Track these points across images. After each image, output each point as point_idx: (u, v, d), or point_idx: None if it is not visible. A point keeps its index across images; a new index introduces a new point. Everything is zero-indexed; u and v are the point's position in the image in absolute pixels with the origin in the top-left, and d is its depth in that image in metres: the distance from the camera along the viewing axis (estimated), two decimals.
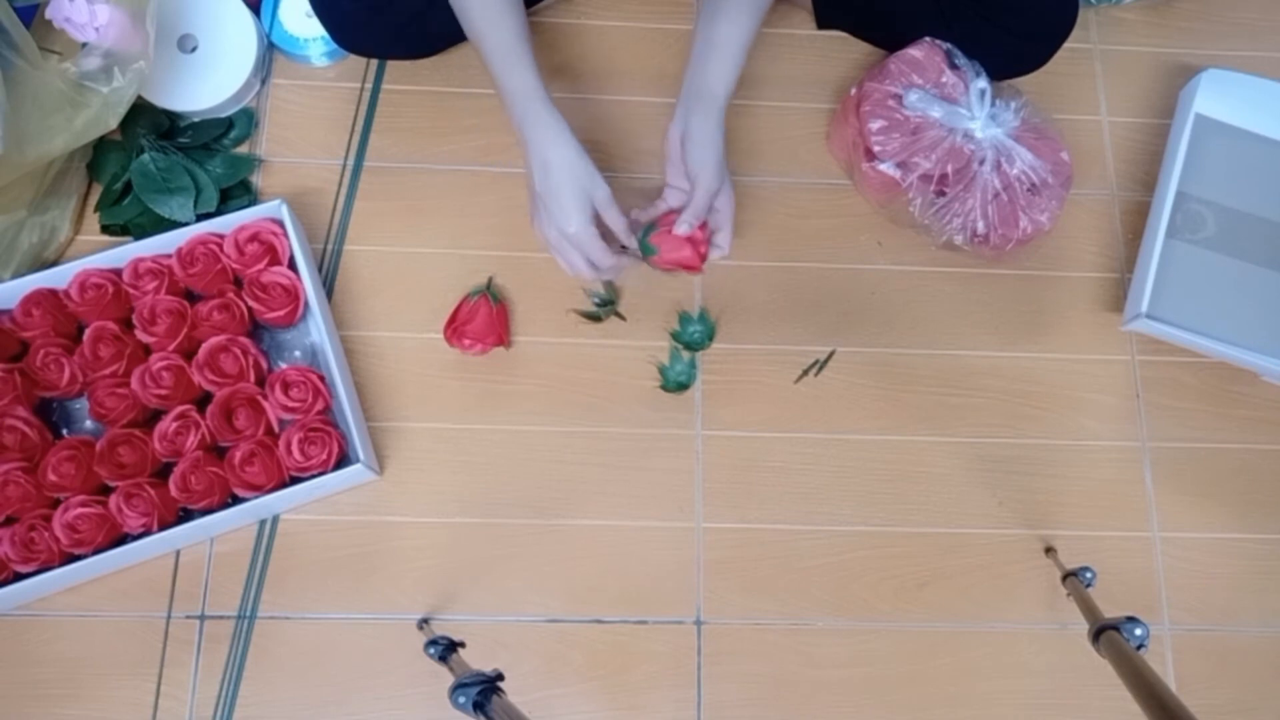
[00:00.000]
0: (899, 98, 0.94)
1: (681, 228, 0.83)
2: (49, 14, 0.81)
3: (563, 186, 0.79)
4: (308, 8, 0.96)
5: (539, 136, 0.80)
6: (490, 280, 0.97)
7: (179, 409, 0.85)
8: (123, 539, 0.85)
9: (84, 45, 0.83)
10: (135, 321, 0.88)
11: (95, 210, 0.96)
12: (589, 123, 1.03)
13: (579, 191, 0.79)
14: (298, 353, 0.93)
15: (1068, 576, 0.86)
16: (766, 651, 0.90)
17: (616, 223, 0.82)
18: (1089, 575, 0.85)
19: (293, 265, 0.91)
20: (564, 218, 0.80)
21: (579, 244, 0.81)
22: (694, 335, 0.97)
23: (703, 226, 0.85)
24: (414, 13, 0.92)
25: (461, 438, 0.93)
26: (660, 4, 1.08)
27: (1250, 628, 0.94)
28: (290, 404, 0.86)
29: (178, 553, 0.89)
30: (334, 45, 0.98)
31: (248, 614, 0.88)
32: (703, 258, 0.86)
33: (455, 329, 0.92)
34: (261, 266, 0.89)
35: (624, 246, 0.86)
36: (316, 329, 0.91)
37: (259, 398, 0.86)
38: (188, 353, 0.88)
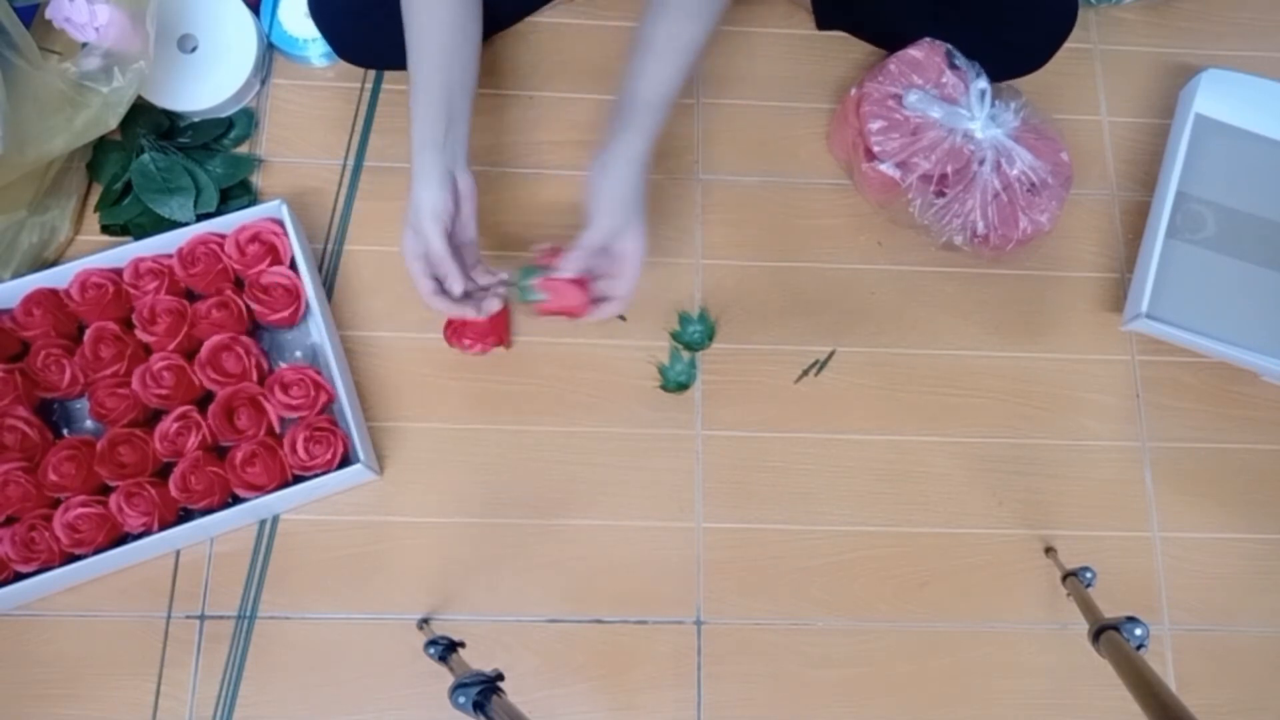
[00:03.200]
0: (899, 98, 0.94)
1: (564, 269, 0.77)
2: (49, 14, 0.81)
3: (421, 204, 0.76)
4: (307, 8, 0.96)
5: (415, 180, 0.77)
6: None
7: (180, 409, 0.85)
8: (123, 539, 0.85)
9: (84, 45, 0.83)
10: (135, 321, 0.88)
11: (95, 210, 0.96)
12: (589, 123, 1.03)
13: (436, 211, 0.76)
14: (298, 353, 0.93)
15: (1068, 576, 0.86)
16: (766, 651, 0.90)
17: (466, 224, 0.79)
18: (1089, 575, 0.84)
19: (293, 265, 0.91)
20: (417, 223, 0.76)
21: (431, 261, 0.77)
22: (694, 335, 0.97)
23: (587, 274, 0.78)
24: None
25: (461, 438, 0.94)
26: None
27: (1250, 628, 0.94)
28: (291, 403, 0.86)
29: (178, 553, 0.89)
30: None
31: (248, 614, 0.88)
32: (589, 304, 0.78)
33: (455, 329, 0.92)
34: (263, 267, 0.89)
35: (502, 282, 0.82)
36: (317, 329, 0.91)
37: (260, 397, 0.86)
38: (188, 352, 0.88)
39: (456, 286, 0.78)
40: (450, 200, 0.78)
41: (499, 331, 0.93)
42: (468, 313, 0.81)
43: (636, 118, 0.78)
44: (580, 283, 0.78)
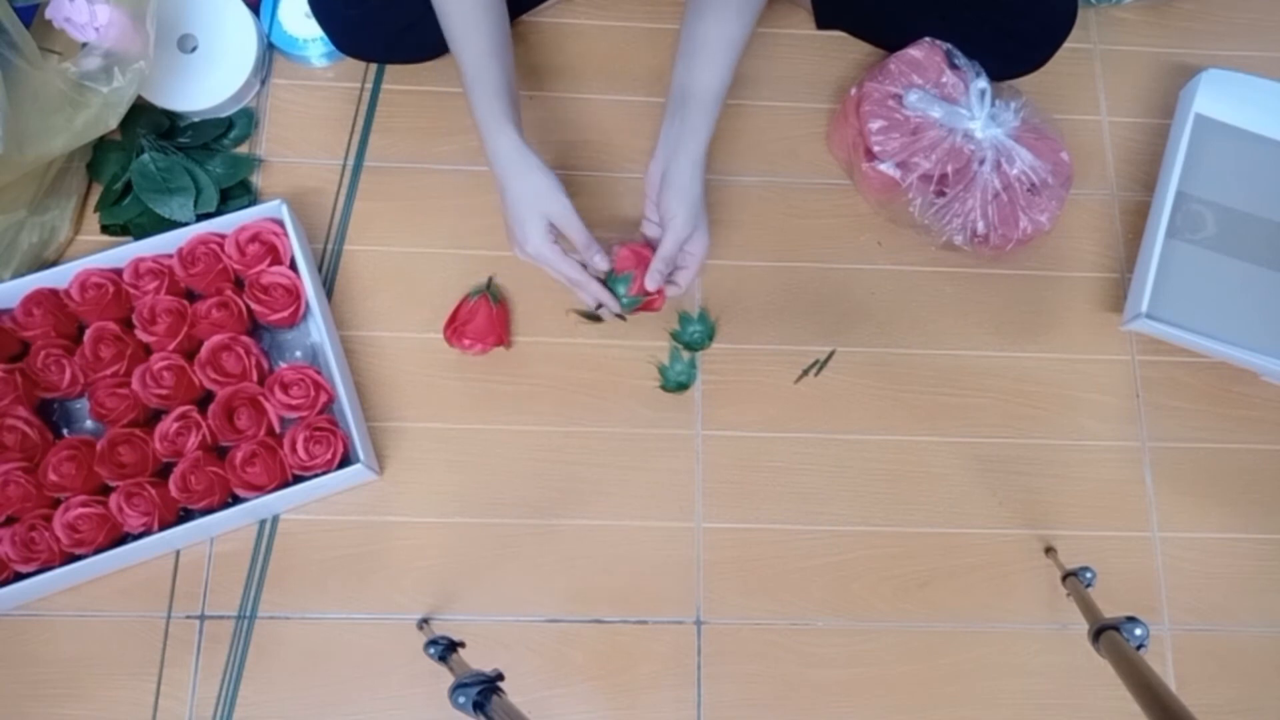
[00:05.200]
0: (899, 98, 0.94)
1: (653, 280, 0.83)
2: (49, 14, 0.81)
3: (519, 208, 0.80)
4: (307, 8, 0.96)
5: (501, 168, 0.81)
6: (490, 280, 0.97)
7: (180, 409, 0.85)
8: (123, 539, 0.85)
9: (84, 45, 0.83)
10: (135, 321, 0.88)
11: (95, 210, 0.96)
12: (588, 123, 1.03)
13: (536, 214, 0.80)
14: (298, 353, 0.93)
15: (1068, 576, 0.86)
16: (766, 651, 0.90)
17: (577, 237, 0.81)
18: (1089, 575, 0.84)
19: (293, 265, 0.91)
20: (523, 237, 0.81)
21: (543, 262, 0.82)
22: (694, 335, 0.97)
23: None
24: (413, 19, 0.92)
25: (461, 438, 0.94)
26: (659, 4, 1.08)
27: (1250, 628, 0.94)
28: (291, 403, 0.86)
29: (178, 553, 0.89)
30: (333, 46, 0.98)
31: (248, 614, 0.88)
32: (662, 297, 0.86)
33: (455, 329, 0.92)
34: (263, 267, 0.89)
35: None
36: (317, 329, 0.91)
37: (260, 397, 0.86)
38: (188, 352, 0.88)
39: (602, 260, 0.82)
40: (551, 178, 0.80)
41: (499, 331, 0.93)
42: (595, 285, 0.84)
43: (692, 118, 0.81)
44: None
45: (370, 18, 0.92)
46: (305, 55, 1.01)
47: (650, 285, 0.83)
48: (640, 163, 1.02)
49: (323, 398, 0.87)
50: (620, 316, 0.88)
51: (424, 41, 0.96)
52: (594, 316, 0.97)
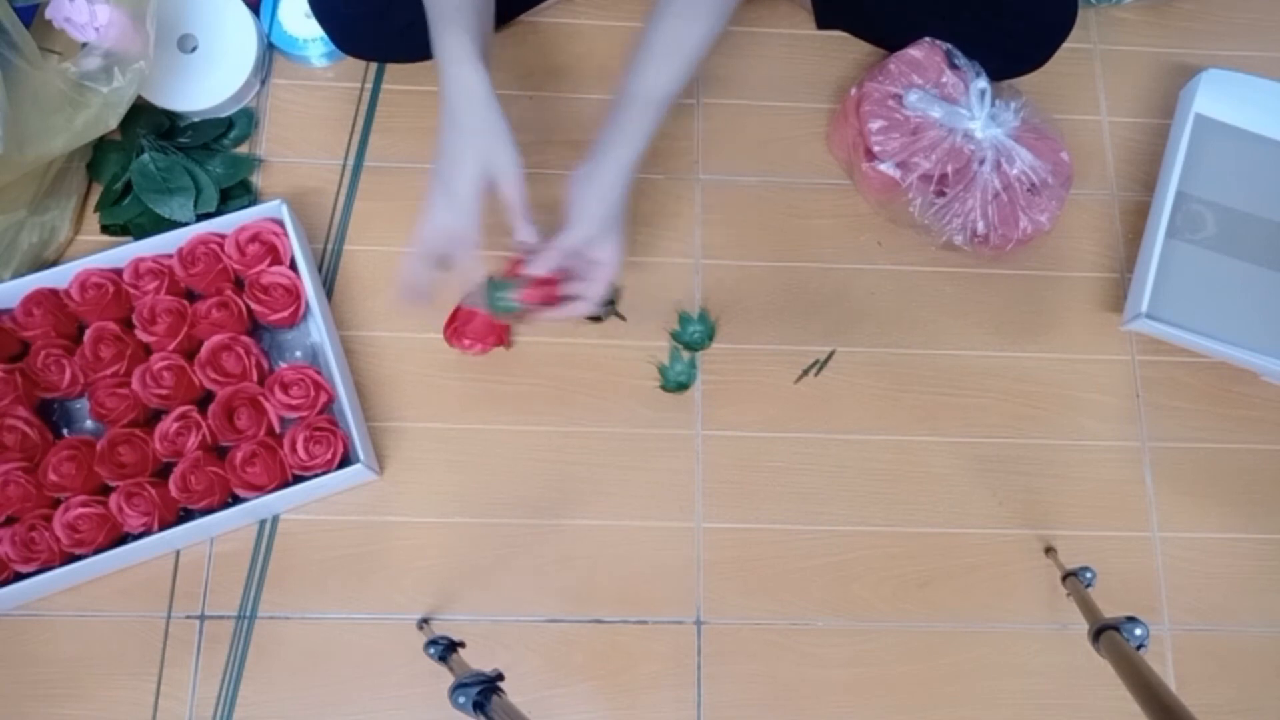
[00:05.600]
0: (899, 98, 0.94)
1: (533, 267, 0.76)
2: (49, 14, 0.81)
3: (459, 144, 0.72)
4: (307, 8, 0.96)
5: (455, 98, 0.72)
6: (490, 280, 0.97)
7: (180, 409, 0.85)
8: (123, 539, 0.85)
9: (84, 45, 0.83)
10: (135, 321, 0.88)
11: (95, 210, 0.96)
12: (588, 123, 1.02)
13: (475, 158, 0.71)
14: (298, 353, 0.93)
15: (1068, 576, 0.86)
16: (766, 651, 0.90)
17: (514, 195, 0.73)
18: (1089, 575, 0.84)
19: (293, 265, 0.91)
20: (449, 178, 0.72)
21: (456, 211, 0.72)
22: (694, 335, 0.97)
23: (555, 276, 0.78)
24: (413, 18, 0.92)
25: (461, 438, 0.93)
26: None
27: (1250, 628, 0.94)
28: (292, 402, 0.86)
29: (178, 553, 0.89)
30: (333, 46, 0.98)
31: (248, 614, 0.88)
32: (551, 303, 0.79)
33: (455, 329, 0.92)
34: (263, 267, 0.89)
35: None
36: (316, 329, 0.91)
37: (260, 397, 0.86)
38: (188, 352, 0.88)
39: (530, 232, 0.74)
40: (505, 130, 0.73)
41: (499, 331, 0.93)
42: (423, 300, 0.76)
43: (630, 123, 0.77)
44: (549, 281, 0.78)
45: (370, 17, 0.92)
46: (305, 55, 1.01)
47: (536, 270, 0.76)
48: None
49: (323, 398, 0.87)
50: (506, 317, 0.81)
51: (424, 41, 0.96)
52: (594, 316, 0.97)
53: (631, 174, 0.78)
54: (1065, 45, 0.98)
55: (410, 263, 0.75)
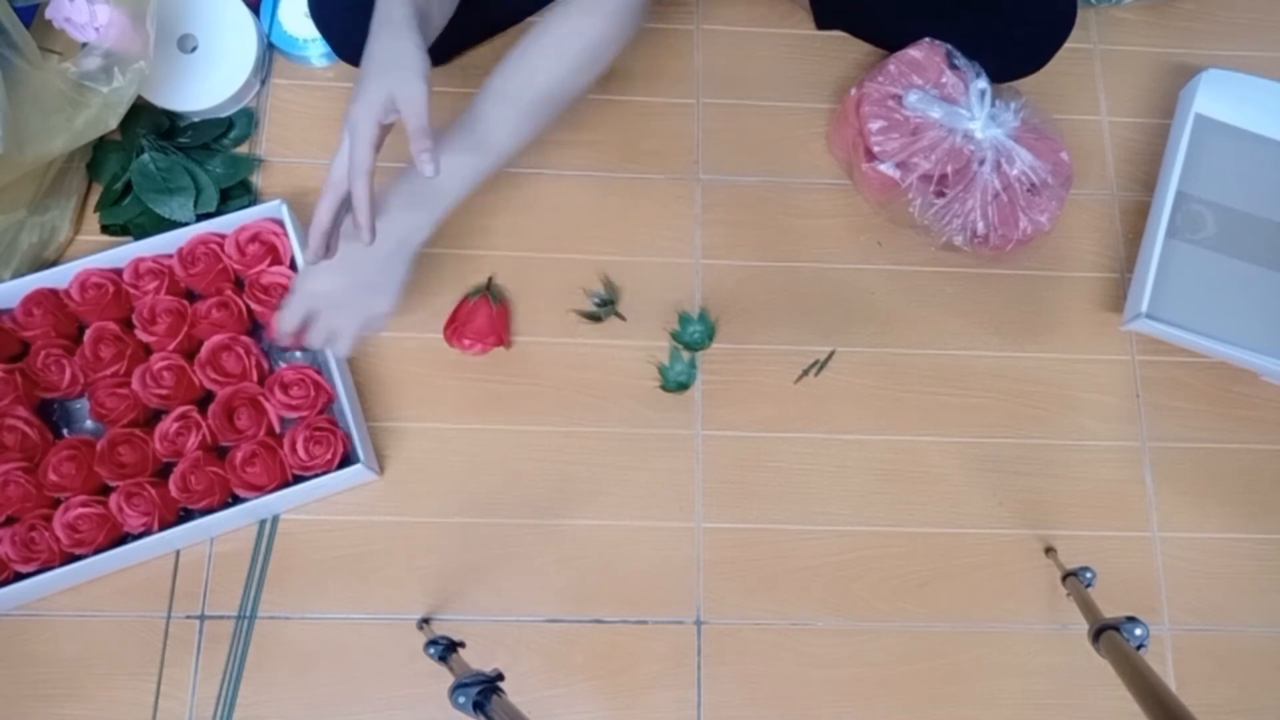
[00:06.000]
0: (899, 98, 0.94)
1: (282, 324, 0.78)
2: (49, 14, 0.81)
3: (370, 66, 0.70)
4: (307, 8, 0.96)
5: (378, 28, 0.70)
6: (490, 280, 0.97)
7: (180, 409, 0.85)
8: (123, 539, 0.85)
9: (84, 45, 0.83)
10: (135, 321, 0.88)
11: (95, 210, 0.96)
12: (588, 122, 1.03)
13: (383, 82, 0.68)
14: (298, 354, 0.93)
15: (1068, 576, 0.86)
16: (766, 651, 0.90)
17: (414, 121, 0.67)
18: (1089, 575, 0.84)
19: (293, 265, 0.91)
20: (355, 96, 0.69)
21: (350, 130, 0.69)
22: (694, 335, 0.97)
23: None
24: None
25: (461, 438, 0.94)
26: (660, 4, 1.08)
27: (1250, 628, 0.94)
28: (291, 403, 0.86)
29: (178, 553, 0.89)
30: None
31: (248, 614, 0.88)
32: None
33: (455, 329, 0.92)
34: (263, 267, 0.89)
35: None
36: None
37: (260, 397, 0.86)
38: (188, 352, 0.88)
39: (429, 164, 0.67)
40: (420, 61, 0.69)
41: (499, 331, 0.93)
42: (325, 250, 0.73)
43: (442, 194, 0.77)
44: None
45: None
46: (305, 55, 1.01)
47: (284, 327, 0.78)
48: (645, 163, 1.02)
49: (322, 398, 0.87)
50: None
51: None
52: (594, 316, 0.97)
53: (421, 244, 0.78)
54: (1065, 45, 0.98)
55: (319, 206, 0.71)
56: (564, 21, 0.79)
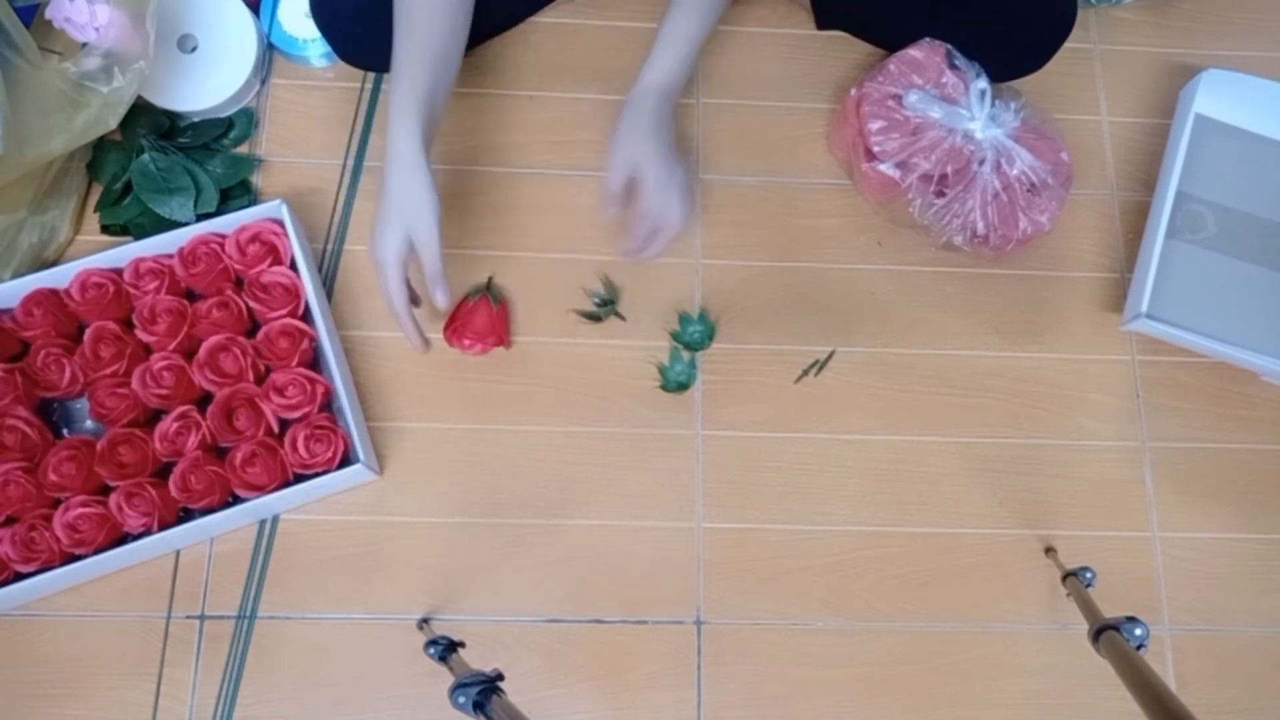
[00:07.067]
0: (899, 98, 0.94)
1: (604, 212, 0.84)
2: (49, 14, 0.81)
3: (388, 209, 0.77)
4: (307, 8, 0.96)
5: (391, 165, 0.78)
6: (490, 280, 0.97)
7: (180, 409, 0.85)
8: (123, 539, 0.85)
9: (84, 45, 0.83)
10: (136, 321, 0.88)
11: (95, 210, 0.96)
12: (588, 122, 1.03)
13: (400, 224, 0.77)
14: None
15: (1068, 576, 0.86)
16: (766, 651, 0.90)
17: (429, 264, 0.78)
18: (1089, 575, 0.84)
19: (293, 265, 0.91)
20: (378, 237, 0.78)
21: (380, 271, 0.78)
22: (694, 335, 0.97)
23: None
24: None
25: (461, 438, 0.94)
26: (659, 4, 1.07)
27: (1250, 627, 0.94)
28: (289, 403, 0.86)
29: (178, 553, 0.89)
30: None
31: (248, 614, 0.88)
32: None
33: (455, 329, 0.92)
34: (263, 267, 0.89)
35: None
36: (316, 329, 0.91)
37: (257, 399, 0.86)
38: (188, 352, 0.88)
39: (443, 297, 0.80)
40: (429, 196, 0.78)
41: (499, 331, 0.93)
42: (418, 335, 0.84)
43: (667, 52, 0.85)
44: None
45: (373, 31, 0.92)
46: (305, 55, 1.01)
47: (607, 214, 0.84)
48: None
49: (320, 391, 0.87)
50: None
51: None
52: (594, 316, 0.97)
53: (668, 97, 0.84)
54: (1065, 45, 0.98)
55: (395, 316, 0.81)
56: None
